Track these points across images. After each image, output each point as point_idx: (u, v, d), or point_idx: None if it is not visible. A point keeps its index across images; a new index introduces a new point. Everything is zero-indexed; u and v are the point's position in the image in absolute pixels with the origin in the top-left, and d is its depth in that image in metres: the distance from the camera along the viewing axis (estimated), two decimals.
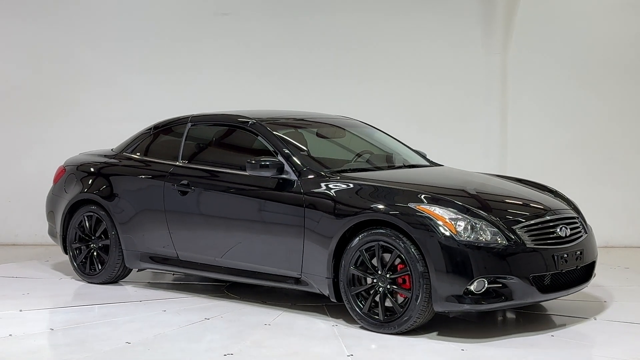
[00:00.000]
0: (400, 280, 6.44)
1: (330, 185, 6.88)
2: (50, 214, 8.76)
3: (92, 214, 8.25)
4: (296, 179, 7.03)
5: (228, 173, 7.41)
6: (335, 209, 6.72)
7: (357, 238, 6.58)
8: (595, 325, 6.79)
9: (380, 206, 6.51)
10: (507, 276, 6.24)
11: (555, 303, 7.17)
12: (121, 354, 5.95)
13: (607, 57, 11.23)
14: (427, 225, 6.27)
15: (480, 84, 11.36)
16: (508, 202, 6.96)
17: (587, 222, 7.27)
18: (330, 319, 6.93)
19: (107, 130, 10.85)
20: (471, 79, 11.33)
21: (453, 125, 11.39)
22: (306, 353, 5.98)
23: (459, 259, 6.17)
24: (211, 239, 7.50)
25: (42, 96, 11.17)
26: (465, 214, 6.34)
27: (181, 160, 7.85)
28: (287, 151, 7.21)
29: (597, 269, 7.11)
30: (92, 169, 8.42)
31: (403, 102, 11.36)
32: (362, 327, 6.60)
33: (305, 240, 6.86)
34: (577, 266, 6.67)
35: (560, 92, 11.28)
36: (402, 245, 6.32)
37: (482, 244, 6.22)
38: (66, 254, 8.54)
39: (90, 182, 8.31)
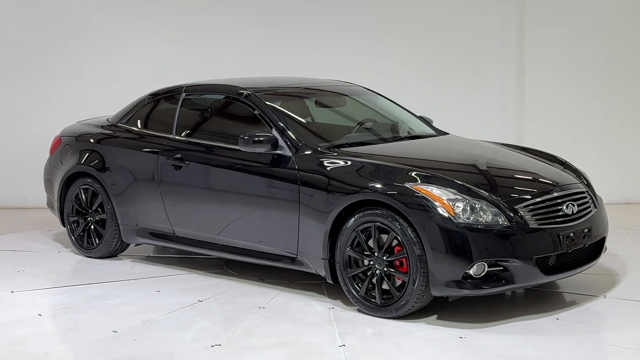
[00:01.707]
0: (397, 263, 6.18)
1: (326, 162, 6.59)
2: (48, 184, 8.55)
3: (88, 186, 8.03)
4: (291, 155, 6.73)
5: (222, 147, 7.13)
6: (330, 187, 6.45)
7: (353, 218, 6.31)
8: (604, 305, 6.50)
9: (376, 185, 6.21)
10: (509, 259, 5.95)
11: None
12: (105, 345, 5.76)
13: (630, 3, 10.71)
14: (424, 206, 5.98)
15: (496, 34, 10.97)
16: (513, 178, 6.66)
17: (597, 194, 6.94)
18: (328, 300, 6.69)
19: (114, 89, 10.57)
20: (487, 28, 10.93)
21: (467, 77, 11.03)
22: (297, 343, 5.76)
23: (458, 241, 5.88)
24: (207, 215, 7.27)
25: (46, 55, 10.90)
26: (464, 194, 6.04)
27: (175, 132, 7.57)
28: (282, 125, 6.91)
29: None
30: (87, 140, 8.17)
31: (416, 54, 11.01)
32: (359, 310, 6.35)
33: (300, 219, 6.60)
34: (584, 244, 6.35)
35: (579, 41, 10.84)
36: (399, 226, 6.04)
37: (482, 226, 5.92)
38: (64, 226, 8.32)
39: (85, 154, 8.07)
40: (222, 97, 7.54)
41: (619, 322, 6.13)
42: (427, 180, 6.17)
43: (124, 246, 8.06)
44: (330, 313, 6.37)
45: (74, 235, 8.19)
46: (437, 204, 5.98)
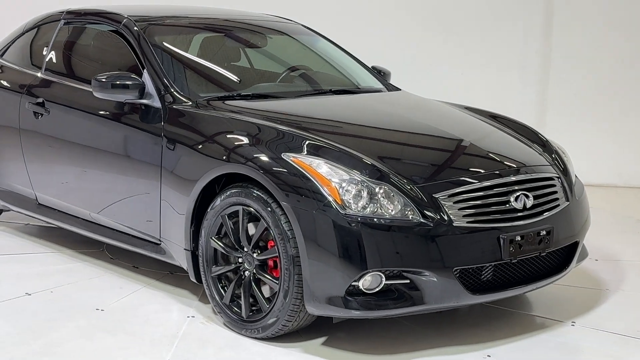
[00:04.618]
0: (270, 264, 4.41)
1: (198, 119, 4.86)
2: None
3: None
4: (160, 106, 4.98)
5: (88, 92, 5.39)
6: (195, 153, 4.71)
7: (220, 198, 4.55)
8: (568, 336, 4.67)
9: (246, 153, 4.45)
10: (418, 270, 4.12)
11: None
12: None
13: None
14: (303, 188, 4.20)
15: None
16: (457, 154, 4.86)
17: (576, 183, 5.03)
18: (196, 303, 5.03)
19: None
20: None
21: (483, 27, 9.08)
22: None
23: (344, 241, 4.12)
24: (68, 180, 5.61)
25: None
26: (364, 174, 4.22)
27: (45, 69, 5.88)
28: (156, 66, 5.18)
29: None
30: None
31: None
32: (225, 323, 4.61)
33: (162, 194, 4.89)
34: (541, 252, 4.47)
35: None
36: (271, 214, 4.26)
37: (383, 220, 4.11)
38: None
39: None
40: (103, 27, 5.80)
41: None
42: (316, 151, 4.37)
43: None
44: (184, 325, 4.67)
45: None
46: (320, 185, 4.18)
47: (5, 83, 6.08)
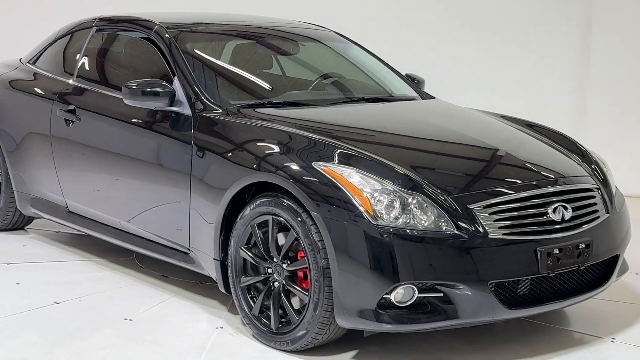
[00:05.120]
0: (300, 275, 4.31)
1: (229, 127, 4.78)
2: None
3: None
4: (190, 114, 4.91)
5: (119, 100, 5.32)
6: (225, 162, 4.63)
7: (249, 207, 4.46)
8: (607, 353, 4.53)
9: (276, 162, 4.37)
10: (452, 283, 4.01)
11: None
12: None
13: None
14: (334, 197, 4.10)
15: None
16: (493, 164, 4.74)
17: (617, 195, 4.87)
18: (226, 314, 4.95)
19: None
20: None
21: (520, 35, 8.92)
22: None
23: (376, 252, 4.02)
24: (101, 188, 5.56)
25: None
26: (397, 184, 4.12)
27: (76, 77, 5.84)
28: (188, 73, 5.10)
29: None
30: None
31: (456, 4, 8.90)
32: (254, 335, 4.52)
33: (191, 202, 4.81)
34: (579, 265, 4.33)
35: None
36: (301, 224, 4.16)
37: (416, 232, 4.01)
38: None
39: None
40: (135, 34, 5.74)
41: None
42: (347, 160, 4.27)
43: (26, 218, 6.41)
44: (213, 336, 4.59)
45: None
46: (352, 195, 4.08)
47: (37, 90, 6.04)
